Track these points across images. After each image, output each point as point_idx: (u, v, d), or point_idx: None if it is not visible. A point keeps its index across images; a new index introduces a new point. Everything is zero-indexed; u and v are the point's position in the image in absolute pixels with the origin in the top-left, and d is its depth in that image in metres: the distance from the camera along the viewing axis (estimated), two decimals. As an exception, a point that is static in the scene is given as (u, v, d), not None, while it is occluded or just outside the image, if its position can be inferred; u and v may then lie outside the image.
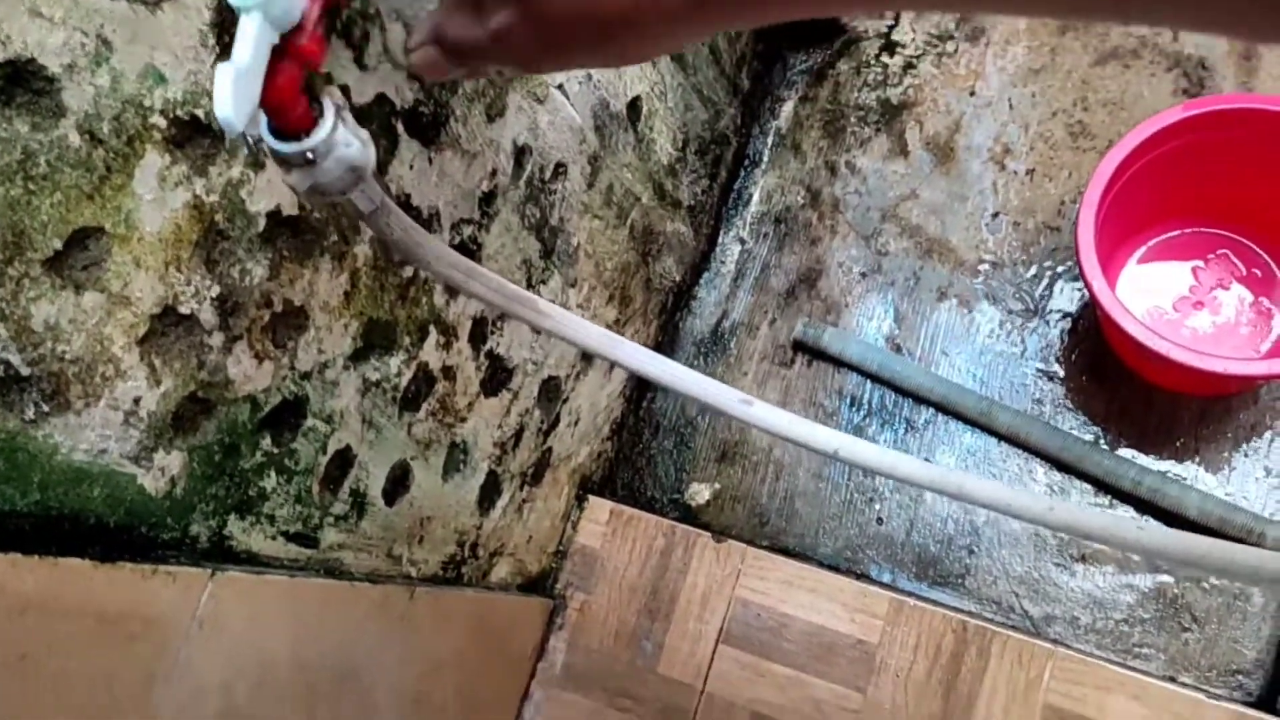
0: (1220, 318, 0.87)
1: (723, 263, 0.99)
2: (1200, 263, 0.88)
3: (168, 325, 0.50)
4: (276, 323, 0.56)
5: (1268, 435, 0.84)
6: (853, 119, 0.99)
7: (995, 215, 0.95)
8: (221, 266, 0.51)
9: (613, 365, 0.93)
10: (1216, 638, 0.81)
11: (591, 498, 0.93)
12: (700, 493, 0.95)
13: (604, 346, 0.58)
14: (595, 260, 0.83)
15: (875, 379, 0.92)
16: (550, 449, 0.87)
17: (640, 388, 0.98)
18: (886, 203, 0.97)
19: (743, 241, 0.99)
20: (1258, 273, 0.87)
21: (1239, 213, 0.87)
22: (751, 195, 1.00)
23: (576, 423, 0.89)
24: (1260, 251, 0.88)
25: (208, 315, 0.51)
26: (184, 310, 0.50)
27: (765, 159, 1.00)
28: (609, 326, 0.90)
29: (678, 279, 0.96)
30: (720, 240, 0.99)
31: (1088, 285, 0.76)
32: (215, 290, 0.51)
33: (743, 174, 1.00)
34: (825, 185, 0.99)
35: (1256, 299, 0.86)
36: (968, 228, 0.95)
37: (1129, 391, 0.88)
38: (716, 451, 0.96)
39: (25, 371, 0.44)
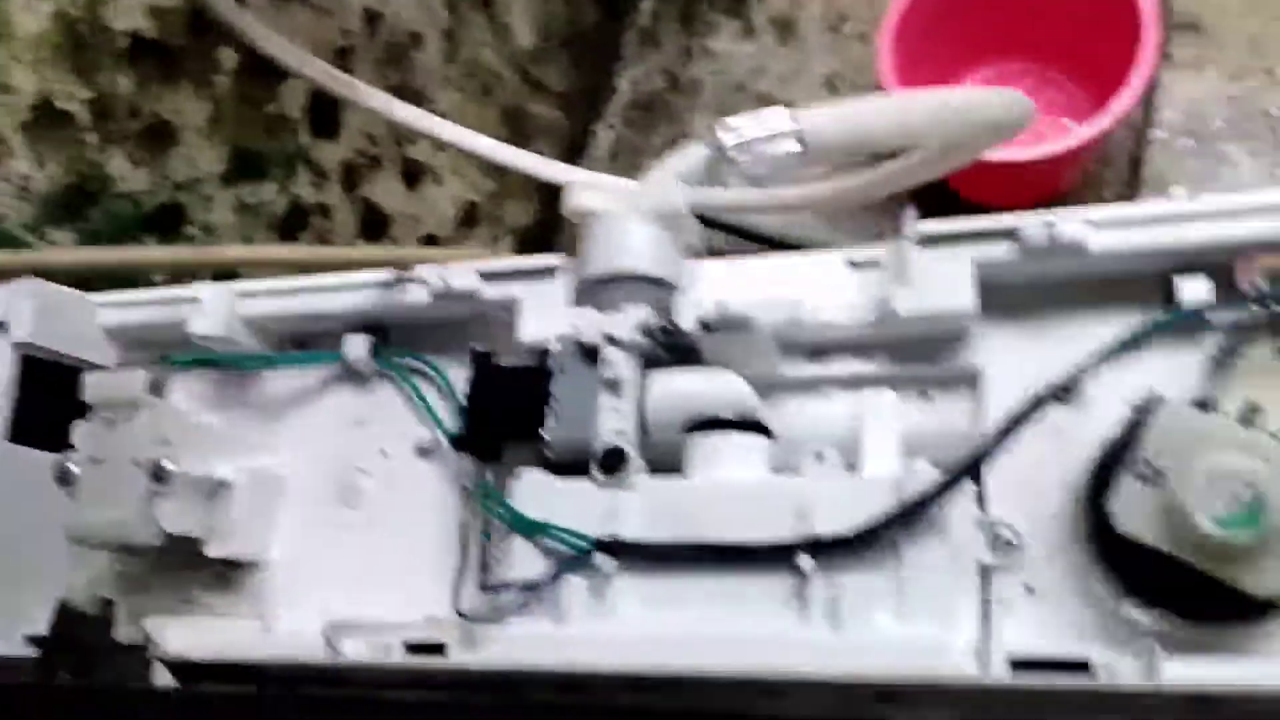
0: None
1: (597, 147, 1.13)
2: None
3: (47, 118, 0.65)
4: (149, 134, 0.70)
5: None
6: (704, 6, 1.14)
7: (834, 74, 1.08)
8: (90, 74, 0.66)
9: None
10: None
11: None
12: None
13: (421, 123, 0.71)
14: (465, 132, 0.97)
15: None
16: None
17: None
18: (740, 78, 1.11)
19: (613, 127, 1.13)
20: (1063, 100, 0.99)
21: (1044, 44, 0.99)
22: (619, 85, 1.14)
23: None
24: (1068, 81, 1.00)
25: (82, 114, 0.66)
26: (60, 106, 0.65)
27: (629, 51, 1.14)
28: (485, 198, 1.04)
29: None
30: (593, 128, 1.14)
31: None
32: (87, 94, 0.66)
33: (609, 66, 1.14)
34: (684, 70, 1.13)
35: (1056, 120, 0.99)
36: (809, 90, 1.08)
37: (951, 212, 1.00)
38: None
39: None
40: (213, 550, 0.39)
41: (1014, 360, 0.35)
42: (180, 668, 0.36)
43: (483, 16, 0.97)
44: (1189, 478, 0.29)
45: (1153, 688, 0.28)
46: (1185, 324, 0.34)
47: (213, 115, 0.74)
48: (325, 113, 0.84)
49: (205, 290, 0.42)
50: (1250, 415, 0.30)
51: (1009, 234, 0.34)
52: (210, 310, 0.40)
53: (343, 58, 0.83)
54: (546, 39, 1.05)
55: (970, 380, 0.36)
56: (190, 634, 0.36)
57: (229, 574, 0.41)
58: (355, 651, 0.34)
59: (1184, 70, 1.00)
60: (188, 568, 0.39)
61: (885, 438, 0.35)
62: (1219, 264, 0.33)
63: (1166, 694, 0.28)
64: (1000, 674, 0.30)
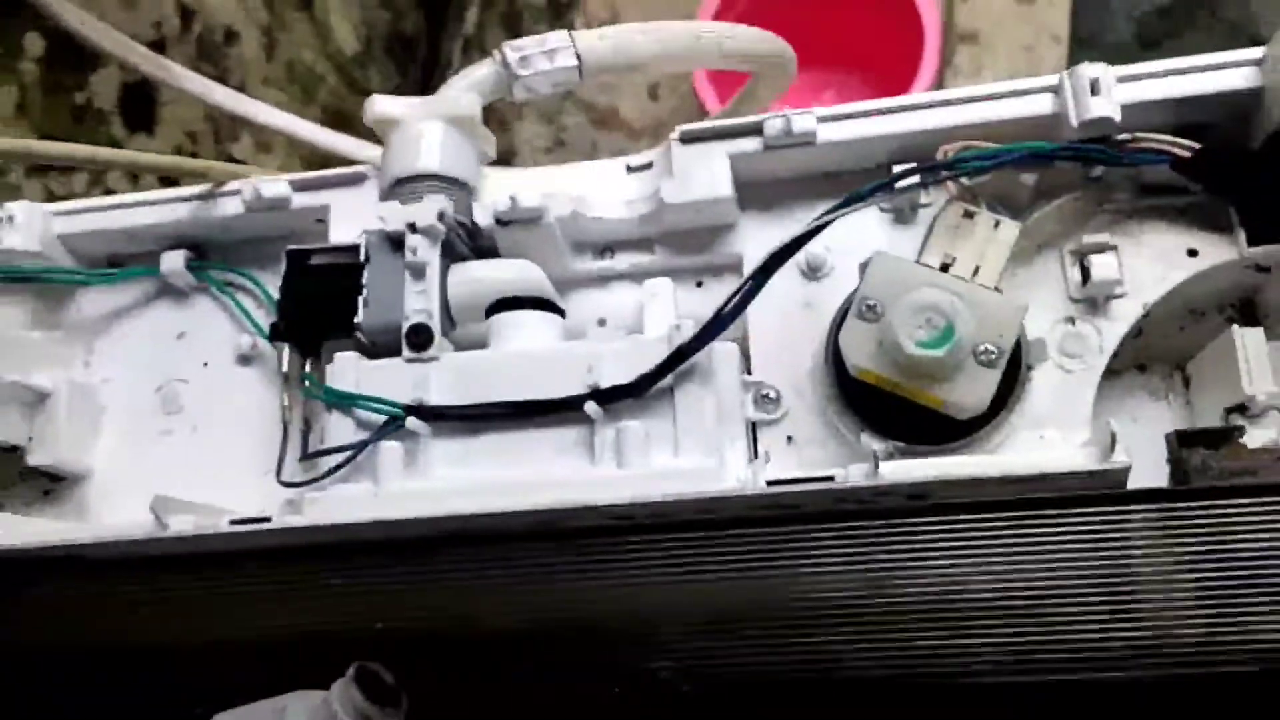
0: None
1: (426, 152, 1.18)
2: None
3: None
4: (-49, 115, 0.72)
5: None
6: (527, 18, 1.21)
7: (655, 85, 1.17)
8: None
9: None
10: None
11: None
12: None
13: (240, 107, 0.75)
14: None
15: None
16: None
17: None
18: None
19: (442, 132, 1.19)
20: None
21: (843, 55, 1.11)
22: (444, 91, 1.20)
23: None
24: (867, 90, 1.12)
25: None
26: None
27: (455, 60, 1.20)
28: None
29: (384, 167, 1.15)
30: (422, 133, 1.19)
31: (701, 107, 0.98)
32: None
33: (436, 73, 1.20)
34: (509, 77, 1.20)
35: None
36: (635, 97, 1.17)
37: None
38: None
39: None
40: (35, 458, 0.42)
41: (769, 248, 0.42)
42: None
43: (303, 15, 1.01)
44: (897, 311, 0.36)
45: (873, 484, 0.35)
46: (904, 209, 0.42)
47: (19, 102, 0.76)
48: (140, 106, 0.87)
49: (18, 208, 0.45)
50: (946, 263, 0.38)
51: (755, 129, 0.41)
52: (23, 226, 0.44)
53: (157, 51, 0.85)
54: (369, 43, 1.10)
55: (735, 267, 0.43)
56: (8, 527, 0.39)
57: (54, 488, 0.43)
58: (181, 525, 0.37)
59: (965, 77, 1.13)
60: (11, 484, 0.42)
61: (663, 316, 0.42)
62: (929, 153, 0.41)
63: (886, 488, 0.35)
64: (759, 490, 0.36)
